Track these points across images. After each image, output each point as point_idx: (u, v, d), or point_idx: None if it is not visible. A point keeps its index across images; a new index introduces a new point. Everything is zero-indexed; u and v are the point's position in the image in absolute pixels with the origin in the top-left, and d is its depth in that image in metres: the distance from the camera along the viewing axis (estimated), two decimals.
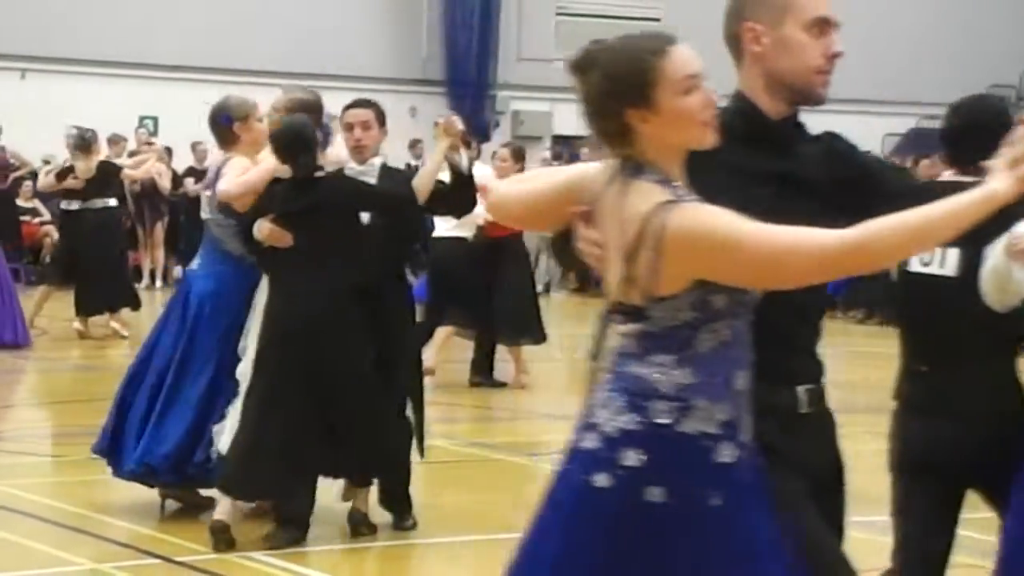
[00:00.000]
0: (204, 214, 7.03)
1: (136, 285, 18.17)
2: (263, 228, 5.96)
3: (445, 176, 6.41)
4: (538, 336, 11.56)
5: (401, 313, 6.34)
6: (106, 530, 6.12)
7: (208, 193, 7.00)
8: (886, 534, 4.19)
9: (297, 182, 6.09)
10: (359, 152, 6.34)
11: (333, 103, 7.06)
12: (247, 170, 6.64)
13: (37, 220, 20.54)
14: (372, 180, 6.30)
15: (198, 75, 21.44)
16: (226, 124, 6.94)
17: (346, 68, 22.13)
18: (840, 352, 11.99)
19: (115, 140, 18.72)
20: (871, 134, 21.93)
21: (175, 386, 6.48)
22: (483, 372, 11.30)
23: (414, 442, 6.31)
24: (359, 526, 6.06)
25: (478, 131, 22.19)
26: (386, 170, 6.46)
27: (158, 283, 19.10)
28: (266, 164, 6.62)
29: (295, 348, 5.88)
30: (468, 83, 24.54)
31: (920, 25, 25.07)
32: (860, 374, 13.23)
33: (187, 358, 6.60)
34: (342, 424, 5.93)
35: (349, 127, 6.36)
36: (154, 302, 18.43)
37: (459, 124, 6.45)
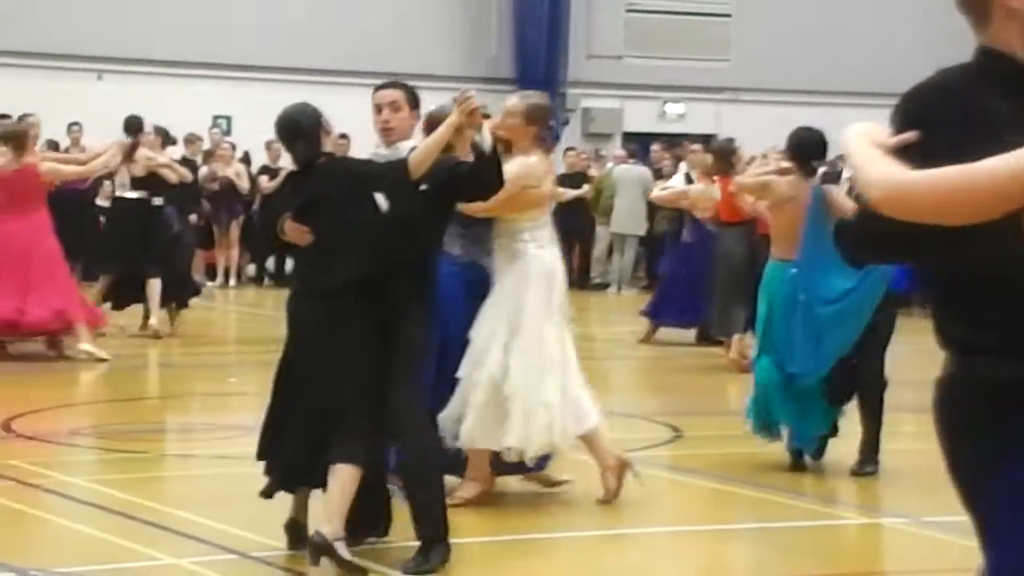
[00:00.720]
0: None
1: (210, 284, 18.44)
2: (287, 227, 5.84)
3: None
4: None
5: (415, 309, 5.90)
6: (182, 525, 6.23)
7: None
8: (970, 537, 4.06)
9: (301, 173, 5.96)
10: (387, 135, 6.08)
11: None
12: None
13: None
14: None
15: (271, 75, 21.63)
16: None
17: (415, 67, 21.48)
18: (919, 350, 11.10)
19: (191, 140, 19.07)
20: None
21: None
22: None
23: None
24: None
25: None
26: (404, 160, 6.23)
27: (232, 282, 19.37)
28: (511, 176, 6.88)
29: (295, 352, 5.77)
30: (537, 81, 23.18)
31: None
32: (937, 371, 12.71)
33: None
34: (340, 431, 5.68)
35: (378, 108, 6.09)
36: (228, 300, 18.72)
37: (475, 100, 5.98)
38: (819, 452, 8.11)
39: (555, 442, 7.11)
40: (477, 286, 7.20)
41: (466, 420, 7.02)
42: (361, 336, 5.71)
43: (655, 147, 20.28)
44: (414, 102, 6.02)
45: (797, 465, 7.92)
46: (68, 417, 9.37)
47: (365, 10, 24.02)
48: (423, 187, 5.81)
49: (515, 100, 7.52)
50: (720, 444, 7.85)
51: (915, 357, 12.28)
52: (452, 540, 5.71)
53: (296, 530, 5.66)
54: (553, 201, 7.77)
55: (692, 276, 13.27)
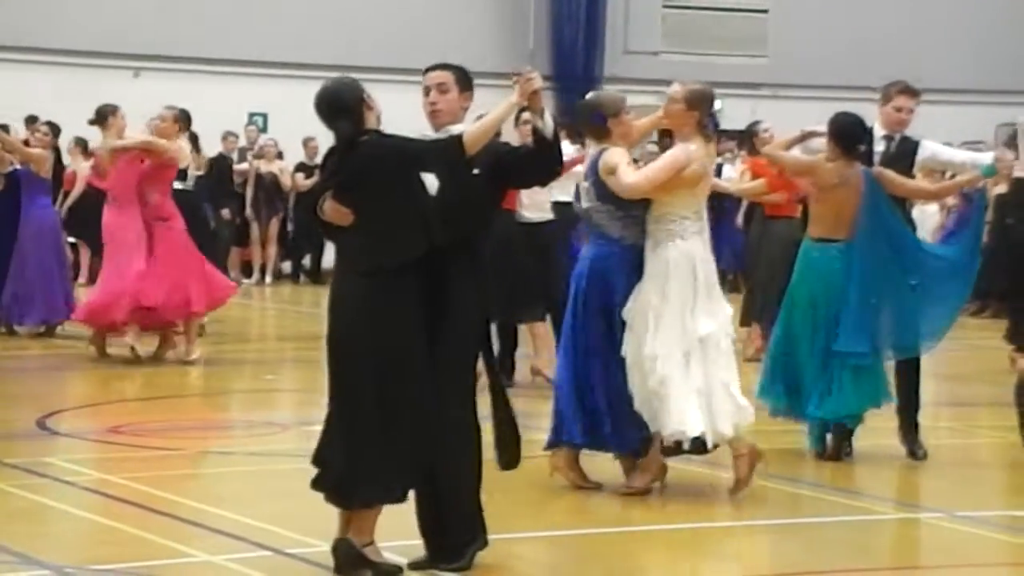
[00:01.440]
0: (584, 203, 7.59)
1: (245, 281, 18.51)
2: (326, 206, 5.60)
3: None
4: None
5: (463, 296, 5.69)
6: (219, 522, 6.26)
7: (587, 184, 7.59)
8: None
9: (342, 150, 5.63)
10: (434, 117, 5.81)
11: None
12: (629, 161, 7.33)
13: None
14: None
15: (307, 72, 21.25)
16: (599, 121, 7.50)
17: (453, 63, 22.29)
18: (957, 345, 11.98)
19: (226, 137, 19.22)
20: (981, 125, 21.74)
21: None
22: None
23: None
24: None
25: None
26: (458, 138, 5.96)
27: (268, 279, 19.52)
28: (668, 159, 7.22)
29: (331, 342, 5.48)
30: (575, 77, 24.28)
31: None
32: (977, 367, 13.09)
33: (576, 334, 7.44)
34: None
35: (426, 90, 5.84)
36: (264, 298, 18.83)
37: (537, 81, 5.73)
38: (845, 445, 8.13)
39: (717, 429, 7.20)
40: (638, 268, 7.36)
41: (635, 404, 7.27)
42: (405, 321, 5.45)
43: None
44: (464, 84, 5.76)
45: (823, 455, 7.97)
46: (105, 414, 9.46)
47: (401, 6, 24.16)
48: (476, 170, 5.59)
49: (677, 86, 7.54)
50: (749, 438, 7.93)
51: (952, 352, 12.40)
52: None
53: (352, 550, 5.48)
54: (708, 190, 7.81)
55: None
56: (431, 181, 5.53)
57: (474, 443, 5.59)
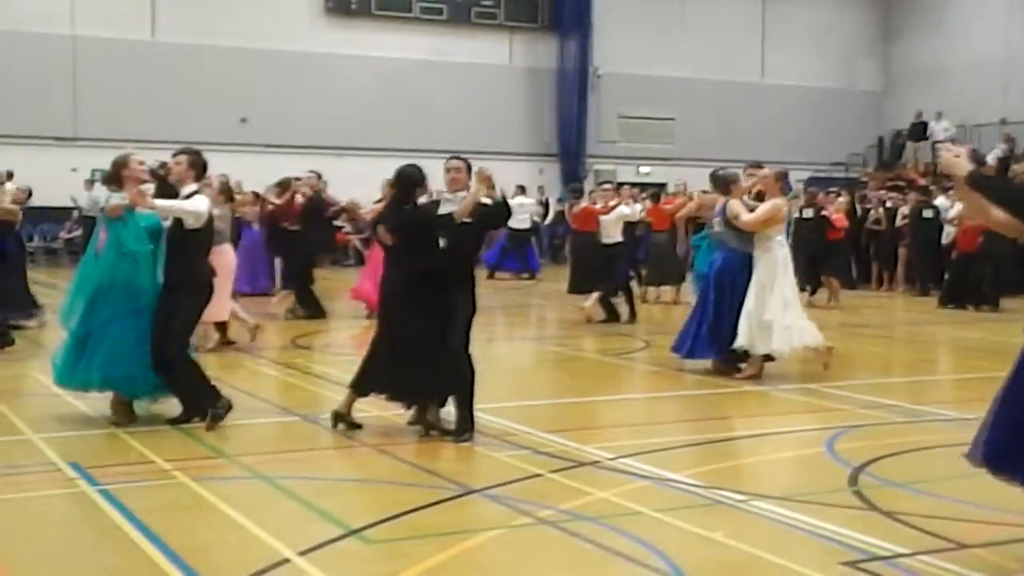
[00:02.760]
0: (716, 229, 10.89)
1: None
2: (380, 231, 8.46)
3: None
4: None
5: (458, 291, 8.10)
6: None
7: (718, 219, 10.79)
8: None
9: (396, 205, 8.40)
10: (452, 185, 8.35)
11: (493, 169, 8.62)
12: (744, 207, 10.32)
13: (344, 231, 27.15)
14: (454, 207, 8.08)
15: (384, 153, 26.15)
16: (725, 184, 10.86)
17: (493, 145, 28.76)
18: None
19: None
20: None
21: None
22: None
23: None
24: (427, 430, 8.16)
25: (575, 179, 30.93)
26: (450, 215, 8.15)
27: None
28: (768, 207, 10.33)
29: (390, 308, 8.25)
30: (571, 153, 32.98)
31: None
32: None
33: (717, 311, 10.87)
34: (409, 361, 8.08)
35: (448, 171, 8.36)
36: None
37: (487, 173, 8.09)
38: None
39: (795, 346, 10.79)
40: (747, 263, 10.62)
41: (748, 335, 10.61)
42: (428, 305, 8.13)
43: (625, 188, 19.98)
44: (469, 168, 8.33)
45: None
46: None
47: (463, 109, 30.88)
48: (469, 221, 8.09)
49: (767, 170, 10.79)
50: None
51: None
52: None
53: (341, 418, 8.31)
54: (785, 223, 10.87)
55: None
56: (441, 239, 8.13)
57: (467, 366, 8.02)
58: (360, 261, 20.20)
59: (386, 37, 31.26)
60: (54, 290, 17.65)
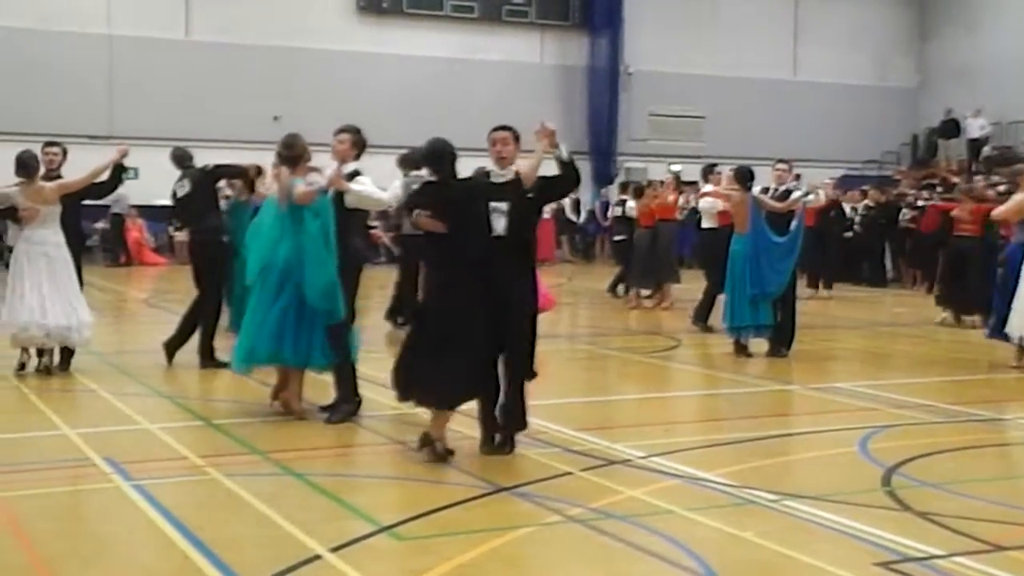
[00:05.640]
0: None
1: None
2: (422, 221, 7.04)
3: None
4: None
5: (519, 281, 7.14)
6: None
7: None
8: None
9: (440, 184, 7.04)
10: (502, 162, 7.17)
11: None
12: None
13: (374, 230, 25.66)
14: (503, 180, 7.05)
15: (400, 151, 22.02)
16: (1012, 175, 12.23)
17: (524, 143, 25.79)
18: None
19: None
20: None
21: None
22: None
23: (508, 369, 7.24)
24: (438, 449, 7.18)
25: (606, 177, 32.18)
26: (517, 176, 7.12)
27: None
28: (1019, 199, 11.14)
29: (439, 299, 7.08)
30: (602, 151, 33.35)
31: None
32: None
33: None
34: (455, 355, 6.95)
35: (493, 143, 7.16)
36: None
37: (550, 126, 7.11)
38: None
39: None
40: None
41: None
42: (475, 296, 7.00)
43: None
44: (517, 138, 7.21)
45: None
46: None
47: (498, 107, 24.19)
48: (530, 194, 7.15)
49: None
50: None
51: None
52: None
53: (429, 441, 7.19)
54: None
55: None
56: (502, 206, 6.99)
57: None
58: (392, 259, 20.15)
59: (417, 35, 31.65)
60: (89, 286, 17.56)
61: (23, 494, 6.60)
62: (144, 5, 29.49)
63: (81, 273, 11.01)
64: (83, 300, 10.82)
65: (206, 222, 11.47)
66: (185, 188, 11.58)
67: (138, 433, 8.41)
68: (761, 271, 12.23)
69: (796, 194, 12.90)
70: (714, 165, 16.12)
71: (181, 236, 28.34)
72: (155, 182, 26.01)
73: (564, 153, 7.21)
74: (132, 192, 27.88)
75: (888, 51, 36.81)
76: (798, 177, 14.70)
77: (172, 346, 11.54)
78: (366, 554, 5.46)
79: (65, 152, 11.01)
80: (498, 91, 31.35)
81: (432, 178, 7.13)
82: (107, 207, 27.86)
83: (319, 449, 8.03)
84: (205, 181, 11.56)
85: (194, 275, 11.63)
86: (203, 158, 12.56)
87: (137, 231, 28.91)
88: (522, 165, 7.14)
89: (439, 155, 7.05)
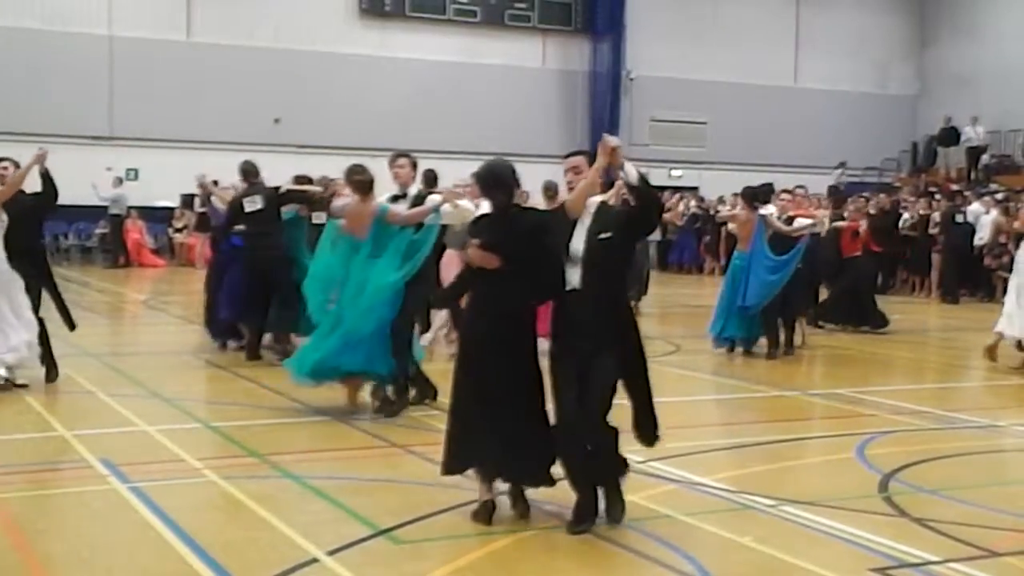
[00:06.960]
0: None
1: None
2: (474, 254, 5.91)
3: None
4: None
5: (600, 351, 5.78)
6: None
7: None
8: None
9: (497, 215, 5.92)
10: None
11: (524, 171, 6.45)
12: None
13: None
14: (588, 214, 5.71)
15: (455, 156, 24.17)
16: None
17: (525, 147, 27.68)
18: None
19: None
20: None
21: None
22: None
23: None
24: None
25: (607, 183, 32.04)
26: (604, 206, 5.86)
27: None
28: None
29: (486, 349, 5.82)
30: None
31: None
32: None
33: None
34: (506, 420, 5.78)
35: (566, 171, 5.93)
36: None
37: (613, 141, 5.67)
38: None
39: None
40: None
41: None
42: (527, 348, 5.91)
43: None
44: (591, 161, 5.82)
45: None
46: None
47: (503, 112, 31.01)
48: (607, 235, 5.64)
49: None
50: None
51: None
52: None
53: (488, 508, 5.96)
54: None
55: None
56: (577, 250, 5.68)
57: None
58: None
59: (420, 39, 31.63)
60: (87, 288, 17.50)
61: (20, 496, 6.58)
62: (145, 6, 29.55)
63: (54, 282, 10.48)
64: (24, 320, 9.94)
65: (272, 239, 12.08)
66: (256, 205, 12.16)
67: (136, 435, 8.39)
68: (749, 286, 12.79)
69: (803, 222, 13.41)
70: (770, 184, 14.96)
71: (181, 237, 28.58)
72: (155, 183, 27.76)
73: (633, 175, 5.67)
74: (132, 193, 28.36)
75: (888, 59, 36.94)
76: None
77: (252, 350, 12.20)
78: (364, 557, 5.44)
79: (18, 165, 10.23)
80: (499, 94, 31.54)
81: (489, 211, 6.07)
82: (105, 208, 27.84)
83: (317, 452, 8.02)
84: (275, 201, 12.20)
85: (246, 283, 12.16)
86: (203, 159, 12.61)
87: (137, 233, 28.95)
88: (574, 193, 5.84)
89: (500, 178, 5.90)
